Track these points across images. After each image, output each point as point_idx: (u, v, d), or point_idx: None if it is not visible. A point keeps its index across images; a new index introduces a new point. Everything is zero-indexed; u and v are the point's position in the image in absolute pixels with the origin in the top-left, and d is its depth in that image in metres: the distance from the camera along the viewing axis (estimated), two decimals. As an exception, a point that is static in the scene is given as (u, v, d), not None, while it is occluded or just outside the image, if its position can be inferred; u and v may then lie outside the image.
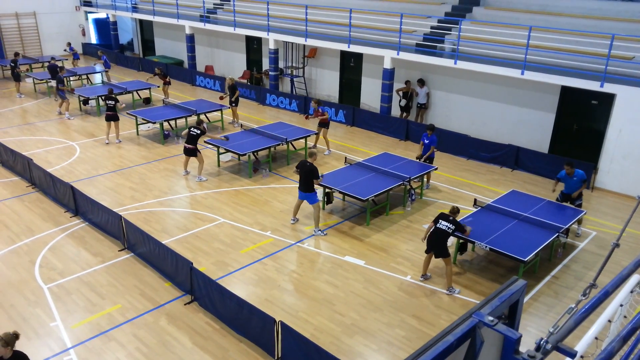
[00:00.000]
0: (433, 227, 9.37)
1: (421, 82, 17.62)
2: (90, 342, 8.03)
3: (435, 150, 13.43)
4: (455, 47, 15.90)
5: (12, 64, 21.50)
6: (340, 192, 11.72)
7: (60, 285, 9.43)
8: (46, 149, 15.82)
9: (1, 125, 17.97)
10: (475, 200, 11.42)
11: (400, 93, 18.10)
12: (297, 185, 11.40)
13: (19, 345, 7.92)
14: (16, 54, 23.10)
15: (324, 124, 15.70)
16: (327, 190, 11.98)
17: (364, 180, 12.17)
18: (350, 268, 10.11)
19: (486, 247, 9.45)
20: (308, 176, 11.07)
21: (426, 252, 9.53)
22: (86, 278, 9.63)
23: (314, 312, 8.80)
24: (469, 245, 10.42)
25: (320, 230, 11.32)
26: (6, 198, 12.71)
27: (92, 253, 10.44)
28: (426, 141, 13.29)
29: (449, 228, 9.24)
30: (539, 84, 14.89)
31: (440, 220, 9.34)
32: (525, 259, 9.03)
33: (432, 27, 17.47)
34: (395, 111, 18.61)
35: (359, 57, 19.69)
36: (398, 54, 16.89)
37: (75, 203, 11.75)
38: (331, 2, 20.61)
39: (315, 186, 11.22)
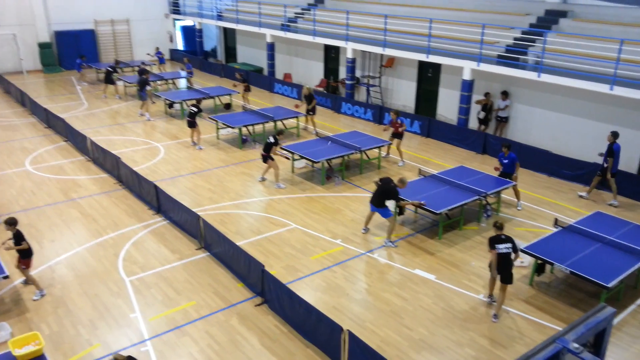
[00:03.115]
0: (495, 255, 8.79)
1: (504, 95, 17.12)
2: (165, 335, 8.40)
3: (518, 168, 12.94)
4: (540, 59, 15.34)
5: (111, 69, 22.94)
6: (412, 204, 11.59)
7: (141, 278, 9.94)
8: (133, 149, 16.75)
9: (94, 124, 19.22)
10: (555, 220, 10.95)
11: (480, 105, 17.69)
12: (370, 196, 11.38)
13: (102, 334, 8.45)
14: (117, 61, 24.57)
15: (398, 135, 15.61)
16: (398, 203, 11.88)
17: (437, 193, 11.98)
18: (420, 282, 9.98)
19: (567, 269, 9.03)
20: (386, 194, 10.98)
21: (494, 276, 9.06)
22: (165, 273, 10.10)
23: (381, 324, 8.76)
24: (547, 267, 9.99)
25: (391, 241, 11.25)
26: (95, 193, 13.56)
27: (171, 250, 10.94)
28: (505, 161, 12.80)
29: (508, 248, 8.75)
30: (628, 101, 14.06)
31: (496, 246, 8.77)
32: (609, 285, 8.55)
33: (515, 39, 16.95)
34: (473, 123, 18.20)
35: (437, 67, 19.44)
36: (478, 65, 16.53)
37: (158, 201, 12.36)
38: (411, 12, 20.49)
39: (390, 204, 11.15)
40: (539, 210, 12.99)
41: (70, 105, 21.71)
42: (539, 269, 9.80)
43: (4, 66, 27.42)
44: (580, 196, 13.77)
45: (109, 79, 22.92)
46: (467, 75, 17.19)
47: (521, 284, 9.95)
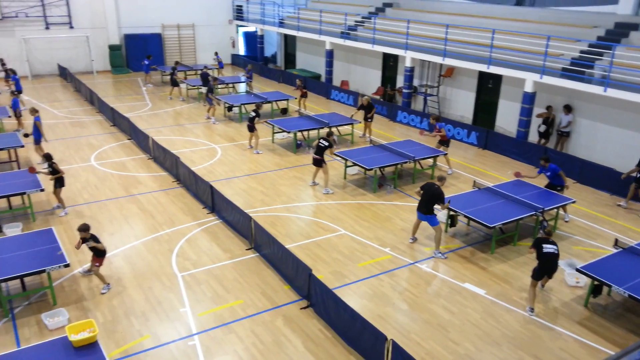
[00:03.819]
0: (542, 258, 9.16)
1: (567, 109, 16.57)
2: (213, 332, 8.61)
3: (564, 177, 12.58)
4: (607, 73, 14.75)
5: (172, 71, 23.84)
6: (465, 216, 11.39)
7: (193, 275, 10.23)
8: (192, 149, 17.28)
9: (157, 124, 19.97)
10: (616, 240, 10.47)
11: (541, 118, 17.18)
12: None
13: (153, 326, 8.74)
14: (176, 62, 25.51)
15: (444, 142, 15.44)
16: (452, 212, 11.70)
17: (492, 207, 11.71)
18: (469, 296, 9.77)
19: (625, 293, 8.62)
20: (432, 199, 10.91)
21: (538, 279, 9.30)
22: (215, 271, 10.35)
23: (426, 336, 8.64)
24: (604, 289, 9.55)
25: (440, 252, 11.08)
26: (154, 190, 14.08)
27: (222, 249, 11.20)
28: (547, 174, 12.47)
29: (555, 250, 9.14)
30: None
31: (544, 246, 9.14)
32: (671, 312, 8.09)
33: (581, 52, 16.38)
34: (533, 137, 17.68)
35: (497, 78, 19.03)
36: (541, 78, 16.06)
37: (213, 201, 12.69)
38: (473, 22, 20.17)
39: (440, 208, 11.03)
40: (599, 229, 12.46)
41: (136, 105, 22.65)
42: (595, 290, 9.39)
43: (77, 66, 28.96)
44: (619, 205, 13.61)
45: (174, 81, 23.77)
46: (528, 88, 16.74)
47: (576, 304, 9.58)
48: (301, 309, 9.26)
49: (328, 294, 8.67)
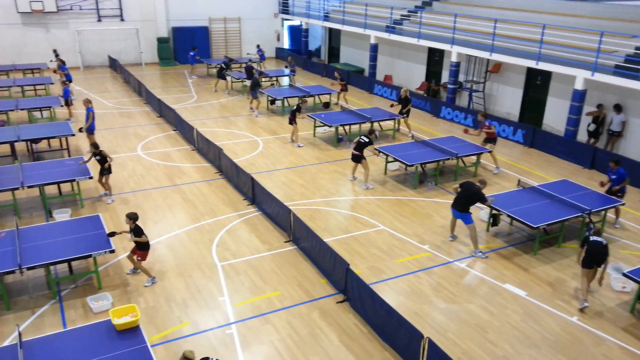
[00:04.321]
0: (585, 249, 9.28)
1: (618, 109, 15.94)
2: (250, 321, 8.74)
3: (627, 183, 12.10)
4: (664, 71, 14.10)
5: (224, 65, 24.08)
6: (508, 216, 11.14)
7: (232, 265, 10.40)
8: (234, 141, 17.52)
9: (201, 116, 20.33)
10: (667, 245, 10.05)
11: (591, 117, 16.60)
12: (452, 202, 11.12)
13: (192, 313, 8.94)
14: (230, 59, 25.61)
15: (491, 140, 15.06)
16: (494, 212, 11.46)
17: (536, 207, 11.41)
18: (510, 297, 9.57)
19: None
20: (471, 198, 10.74)
21: (588, 267, 9.21)
22: (254, 262, 10.49)
23: (464, 336, 8.52)
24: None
25: (481, 252, 10.89)
26: (197, 181, 14.36)
27: (261, 240, 11.34)
28: (613, 176, 12.03)
29: (605, 241, 9.20)
30: None
31: (591, 237, 9.26)
32: None
33: (636, 48, 15.69)
34: (582, 136, 17.10)
35: (546, 75, 18.47)
36: (593, 75, 15.49)
37: (253, 193, 12.85)
38: (522, 16, 19.62)
39: (484, 206, 10.84)
40: (650, 234, 11.98)
41: (181, 97, 23.12)
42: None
43: (126, 58, 29.76)
44: None
45: (221, 74, 24.11)
46: (579, 85, 16.19)
47: (621, 310, 9.25)
48: (337, 302, 9.28)
49: (365, 289, 8.66)
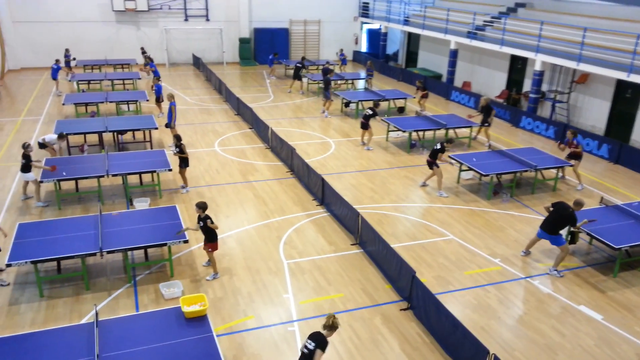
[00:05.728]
0: None
1: None
2: (312, 320, 8.81)
3: None
4: None
5: (300, 65, 24.46)
6: (588, 234, 10.57)
7: (298, 263, 10.53)
8: (307, 142, 17.73)
9: (276, 116, 20.73)
10: None
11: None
12: (540, 222, 10.61)
13: (257, 308, 9.13)
14: (303, 58, 26.07)
15: (576, 156, 14.31)
16: (573, 229, 10.90)
17: (619, 227, 10.76)
18: (584, 320, 9.08)
19: None
20: (561, 221, 10.22)
21: None
22: (319, 262, 10.57)
23: (531, 356, 8.16)
24: None
25: (557, 270, 10.39)
26: (269, 179, 14.66)
27: (328, 241, 11.40)
28: None
29: None
30: None
31: None
32: None
33: None
34: (676, 155, 15.95)
35: (637, 88, 17.37)
36: (692, 90, 14.42)
37: (323, 194, 12.95)
38: (615, 25, 18.55)
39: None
40: None
41: (259, 97, 23.68)
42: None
43: (209, 56, 30.89)
44: None
45: (297, 75, 24.49)
46: (675, 99, 15.11)
47: None
48: (401, 310, 9.17)
49: (430, 299, 8.50)
